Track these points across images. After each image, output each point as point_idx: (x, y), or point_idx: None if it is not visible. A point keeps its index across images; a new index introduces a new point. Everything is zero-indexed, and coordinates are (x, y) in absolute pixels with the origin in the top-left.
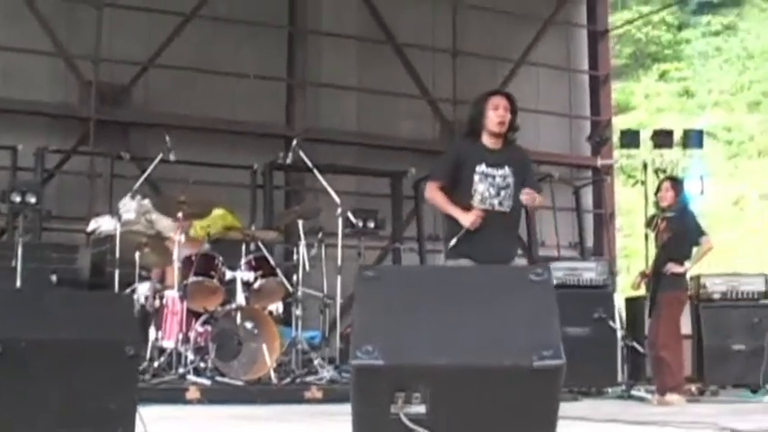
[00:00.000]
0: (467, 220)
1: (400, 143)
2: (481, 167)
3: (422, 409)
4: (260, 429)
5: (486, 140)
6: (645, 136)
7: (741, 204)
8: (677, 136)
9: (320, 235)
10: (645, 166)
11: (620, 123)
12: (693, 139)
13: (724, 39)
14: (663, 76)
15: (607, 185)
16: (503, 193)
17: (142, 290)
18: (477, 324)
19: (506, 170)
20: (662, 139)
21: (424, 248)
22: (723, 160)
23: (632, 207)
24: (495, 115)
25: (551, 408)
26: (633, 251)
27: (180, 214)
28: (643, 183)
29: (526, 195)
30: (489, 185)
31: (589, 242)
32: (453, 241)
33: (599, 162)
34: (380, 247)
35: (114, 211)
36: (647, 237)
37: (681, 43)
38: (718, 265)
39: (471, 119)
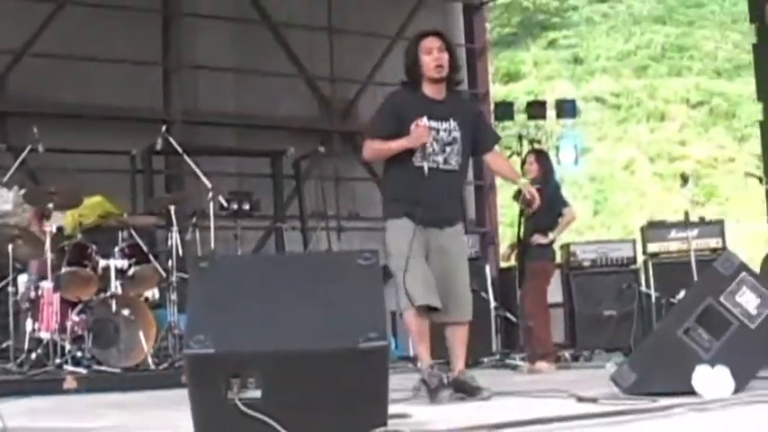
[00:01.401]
0: (413, 139)
1: (279, 122)
2: (423, 121)
3: (257, 393)
4: (129, 416)
5: (428, 90)
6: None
7: (632, 168)
8: (550, 106)
9: (194, 219)
10: (520, 138)
11: (510, 92)
12: (566, 108)
13: (610, 5)
14: (552, 43)
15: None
16: (448, 149)
17: (21, 281)
18: (306, 309)
19: (451, 123)
20: (535, 110)
21: (306, 226)
22: (613, 125)
23: None
24: (430, 59)
25: (380, 386)
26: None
27: (50, 205)
28: (518, 154)
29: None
30: (432, 140)
31: (471, 214)
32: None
33: None
34: (262, 227)
35: None
36: (521, 211)
37: (568, 11)
38: (614, 228)
39: (408, 69)
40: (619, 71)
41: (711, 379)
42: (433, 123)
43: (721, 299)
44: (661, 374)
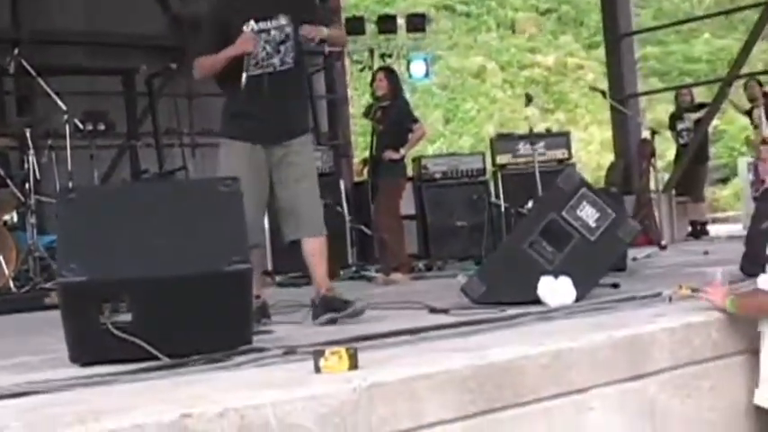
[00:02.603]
0: (237, 46)
1: (130, 40)
2: (249, 25)
3: (128, 317)
4: None
5: None
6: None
7: (482, 76)
8: (401, 20)
9: (50, 141)
10: (371, 52)
11: (362, 1)
12: (416, 22)
13: None
14: None
15: (337, 71)
16: (282, 48)
17: None
18: (173, 235)
19: (281, 19)
20: (386, 24)
21: (161, 143)
22: (463, 34)
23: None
24: None
25: (245, 307)
26: None
27: None
28: (370, 68)
29: (306, 30)
30: (264, 43)
31: (324, 127)
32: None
33: (326, 48)
34: (116, 145)
35: None
36: (373, 128)
37: None
38: (465, 136)
39: None
40: None
41: (555, 288)
42: (262, 24)
43: (563, 213)
44: (508, 285)
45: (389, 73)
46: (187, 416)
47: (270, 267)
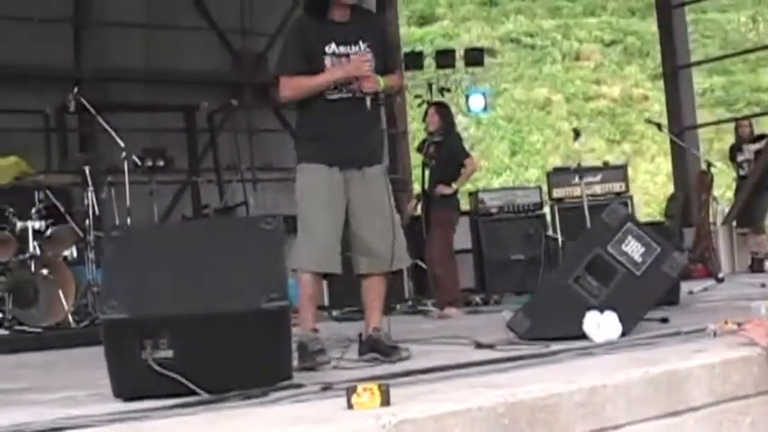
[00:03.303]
0: (352, 68)
1: (191, 77)
2: (331, 47)
3: (169, 353)
4: (49, 376)
5: (333, 13)
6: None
7: (548, 108)
8: (459, 55)
9: (109, 178)
10: (430, 86)
11: (426, 34)
12: (475, 56)
13: None
14: None
15: (397, 105)
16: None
17: None
18: (213, 273)
19: (361, 46)
20: (444, 59)
21: (222, 179)
22: (528, 66)
23: None
24: None
25: (283, 343)
26: None
27: None
28: (429, 102)
29: (366, 88)
30: None
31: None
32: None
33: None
34: (178, 181)
35: None
36: (424, 163)
37: None
38: (531, 168)
39: None
40: (533, 11)
41: (600, 323)
42: (342, 48)
43: (608, 248)
44: (554, 320)
45: (441, 107)
46: None
47: (326, 302)
